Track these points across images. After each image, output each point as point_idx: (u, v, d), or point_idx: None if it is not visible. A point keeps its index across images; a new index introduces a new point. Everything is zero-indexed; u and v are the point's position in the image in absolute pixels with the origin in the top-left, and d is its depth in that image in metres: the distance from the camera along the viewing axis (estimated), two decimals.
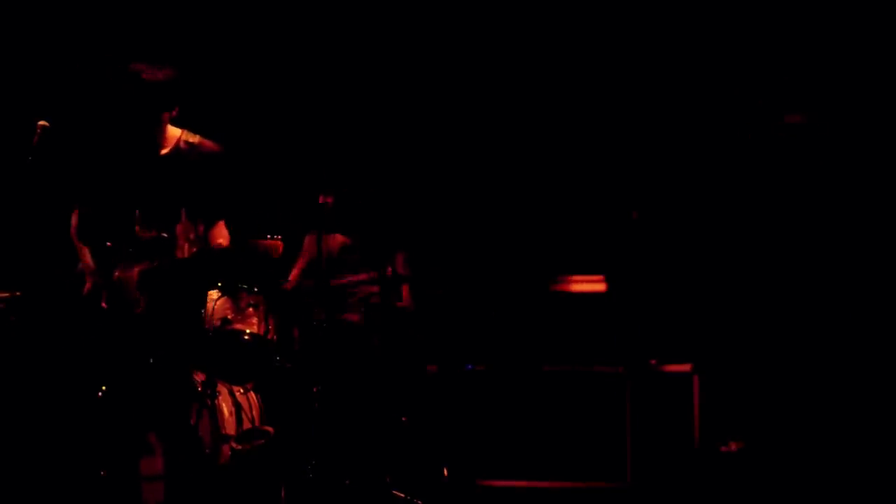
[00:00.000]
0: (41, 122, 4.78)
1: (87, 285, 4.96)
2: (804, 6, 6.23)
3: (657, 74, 6.69)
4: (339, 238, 6.60)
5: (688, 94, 6.52)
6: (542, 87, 7.02)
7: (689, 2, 6.57)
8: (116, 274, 4.97)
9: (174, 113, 4.91)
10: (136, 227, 4.98)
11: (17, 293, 5.78)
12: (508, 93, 7.09)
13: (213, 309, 5.72)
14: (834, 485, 4.90)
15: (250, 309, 5.91)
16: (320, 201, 6.54)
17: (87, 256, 5.03)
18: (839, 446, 4.98)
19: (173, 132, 4.99)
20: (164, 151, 4.97)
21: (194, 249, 4.88)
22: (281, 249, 4.86)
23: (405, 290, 6.55)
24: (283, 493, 5.54)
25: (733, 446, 5.93)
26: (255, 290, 5.99)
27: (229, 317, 5.84)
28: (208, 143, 5.01)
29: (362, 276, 6.32)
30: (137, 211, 4.95)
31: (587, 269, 6.23)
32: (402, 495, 5.62)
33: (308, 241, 6.70)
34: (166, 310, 4.93)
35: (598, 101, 6.84)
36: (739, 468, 5.82)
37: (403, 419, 5.96)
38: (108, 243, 4.99)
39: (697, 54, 6.51)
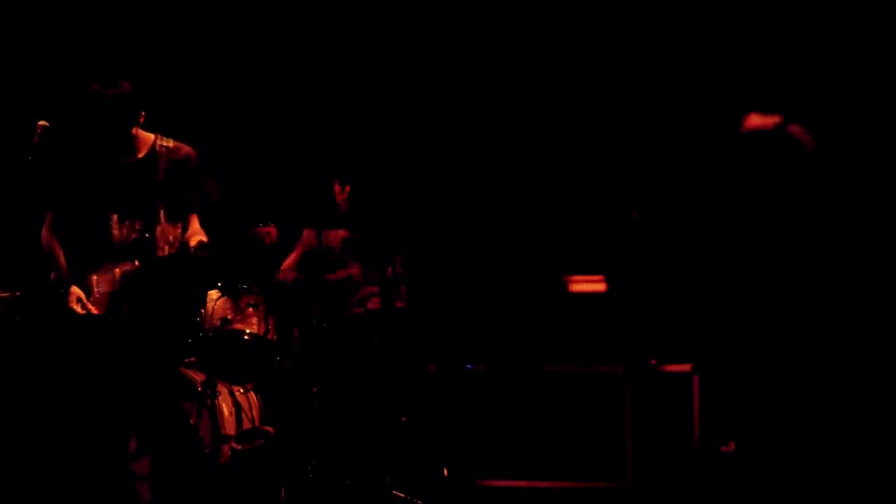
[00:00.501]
0: (41, 122, 4.80)
1: (69, 292, 4.99)
2: (810, 8, 6.23)
3: (658, 75, 6.69)
4: (340, 232, 6.60)
5: (688, 95, 6.51)
6: (542, 89, 7.01)
7: (692, 3, 6.57)
8: (94, 277, 5.02)
9: (141, 119, 4.97)
10: (115, 231, 5.03)
11: (17, 293, 5.79)
12: (509, 93, 7.08)
13: (213, 309, 5.72)
14: (834, 485, 4.90)
15: (250, 309, 5.91)
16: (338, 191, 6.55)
17: (62, 258, 5.06)
18: (840, 446, 4.98)
19: (147, 136, 5.07)
20: (140, 156, 5.03)
21: (173, 251, 4.95)
22: (274, 235, 4.91)
23: (404, 290, 6.55)
24: (283, 493, 5.54)
25: (733, 446, 5.92)
26: (255, 289, 5.99)
27: (229, 317, 5.84)
28: (184, 147, 5.09)
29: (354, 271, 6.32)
30: (115, 215, 5.02)
31: (587, 269, 6.23)
32: (402, 495, 5.62)
33: (307, 232, 6.69)
34: (151, 310, 4.98)
35: (599, 101, 6.83)
36: (739, 468, 5.81)
37: (403, 419, 5.96)
38: (83, 246, 5.05)
39: (698, 55, 6.51)
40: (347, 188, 6.60)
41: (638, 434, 5.83)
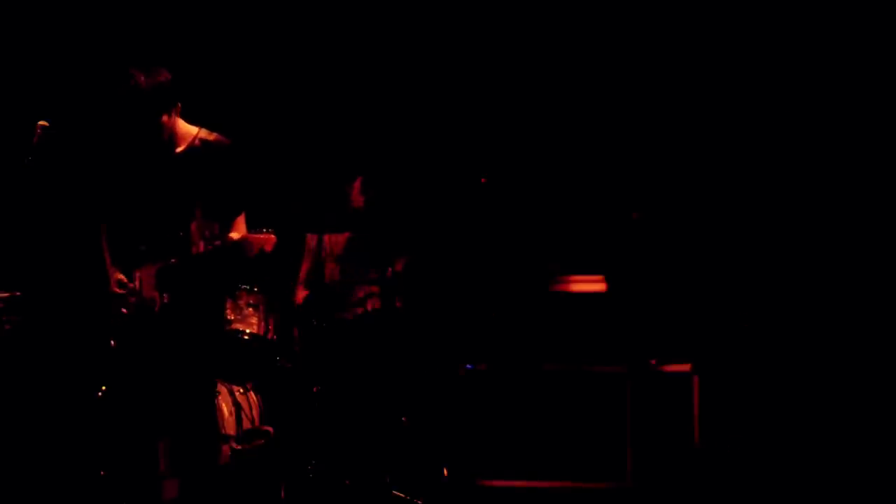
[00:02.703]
0: (41, 122, 4.79)
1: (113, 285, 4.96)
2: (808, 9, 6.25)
3: (657, 75, 6.69)
4: (346, 234, 6.60)
5: (688, 95, 6.51)
6: (542, 89, 7.02)
7: (690, 2, 6.58)
8: (138, 274, 4.95)
9: (176, 111, 4.88)
10: (154, 227, 4.96)
11: (17, 293, 5.80)
12: (510, 94, 7.09)
13: None
14: (834, 485, 4.90)
15: (250, 309, 5.91)
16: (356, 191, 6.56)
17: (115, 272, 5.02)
18: (839, 446, 4.98)
19: (189, 130, 4.93)
20: (179, 149, 4.95)
21: (210, 248, 4.83)
22: (274, 242, 4.82)
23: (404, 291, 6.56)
24: (283, 493, 5.54)
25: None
26: (255, 289, 6.00)
27: (229, 317, 5.84)
28: (223, 140, 4.93)
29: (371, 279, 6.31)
30: (155, 210, 4.93)
31: (587, 269, 6.23)
32: (402, 495, 5.62)
33: (310, 237, 6.69)
34: (186, 308, 4.89)
35: (599, 102, 6.83)
36: (739, 468, 5.82)
37: (403, 419, 5.96)
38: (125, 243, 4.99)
39: (696, 55, 6.51)
40: (358, 184, 6.60)
41: (638, 434, 5.83)
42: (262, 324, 5.90)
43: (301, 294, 6.59)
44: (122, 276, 4.92)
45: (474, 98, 7.13)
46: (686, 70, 6.55)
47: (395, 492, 5.64)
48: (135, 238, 4.95)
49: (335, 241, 6.62)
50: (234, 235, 4.89)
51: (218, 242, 4.73)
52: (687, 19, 6.60)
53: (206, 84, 6.92)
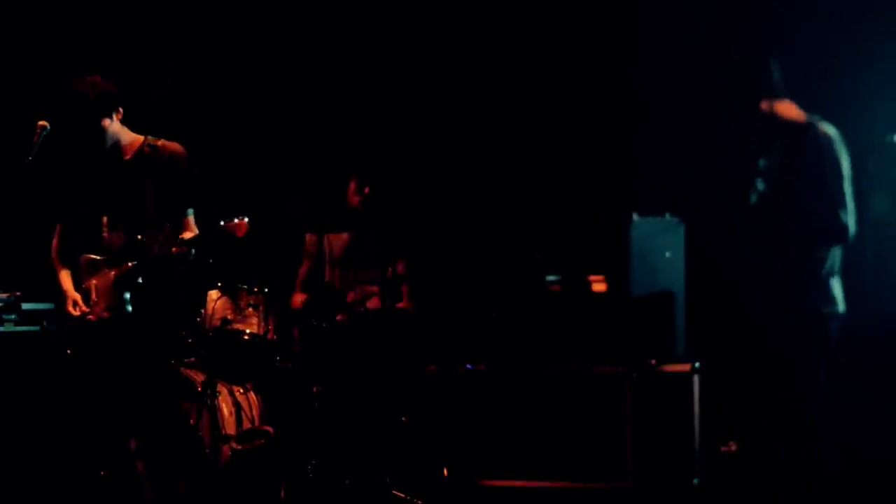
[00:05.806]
0: (41, 122, 4.80)
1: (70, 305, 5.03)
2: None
3: (657, 74, 6.69)
4: (344, 235, 6.60)
5: (686, 94, 6.51)
6: (543, 89, 7.02)
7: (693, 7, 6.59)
8: (93, 282, 5.02)
9: (118, 117, 4.98)
10: (105, 234, 5.04)
11: (17, 293, 5.80)
12: (510, 94, 7.09)
13: (213, 309, 5.73)
14: (834, 485, 4.90)
15: (250, 309, 5.91)
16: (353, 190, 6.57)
17: (67, 280, 5.08)
18: (839, 445, 4.98)
19: (136, 137, 5.07)
20: (127, 157, 5.04)
21: (164, 251, 4.93)
22: (245, 229, 4.89)
23: (405, 290, 6.55)
24: (283, 493, 5.54)
25: (733, 446, 5.93)
26: (255, 290, 6.00)
27: (229, 317, 5.84)
28: (171, 145, 5.08)
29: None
30: (105, 218, 5.02)
31: (587, 270, 6.22)
32: (402, 495, 5.62)
33: (310, 239, 6.70)
34: (145, 310, 4.98)
35: (599, 102, 6.84)
36: (739, 468, 5.82)
37: (403, 419, 5.96)
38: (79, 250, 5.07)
39: (692, 54, 6.52)
40: (366, 189, 6.60)
41: (638, 434, 5.82)
42: (262, 324, 5.90)
43: (299, 295, 6.60)
44: (76, 296, 5.01)
45: (474, 99, 7.13)
46: (686, 70, 6.55)
47: (395, 492, 5.63)
48: (90, 246, 5.04)
49: (335, 241, 6.62)
50: (187, 235, 5.00)
51: (175, 249, 4.84)
52: (689, 22, 6.61)
53: (205, 85, 6.94)
